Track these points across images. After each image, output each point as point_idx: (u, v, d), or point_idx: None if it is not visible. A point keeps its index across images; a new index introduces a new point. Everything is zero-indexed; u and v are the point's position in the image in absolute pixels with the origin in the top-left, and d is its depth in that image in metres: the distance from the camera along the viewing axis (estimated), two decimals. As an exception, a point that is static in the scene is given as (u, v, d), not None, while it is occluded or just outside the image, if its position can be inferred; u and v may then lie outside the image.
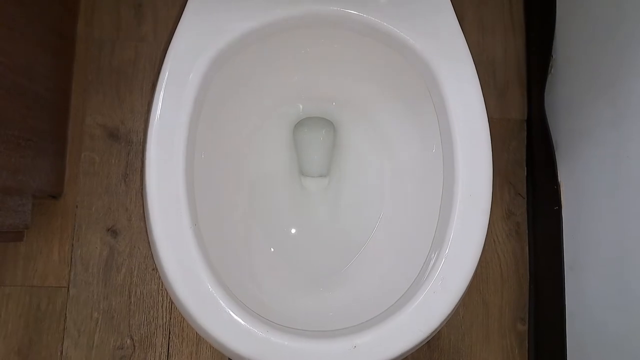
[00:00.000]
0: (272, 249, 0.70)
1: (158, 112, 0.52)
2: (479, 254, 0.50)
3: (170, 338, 0.85)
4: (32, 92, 0.77)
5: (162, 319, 0.85)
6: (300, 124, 0.75)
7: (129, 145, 0.89)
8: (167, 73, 0.53)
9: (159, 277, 0.86)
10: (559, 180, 0.82)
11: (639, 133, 0.63)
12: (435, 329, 0.48)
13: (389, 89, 0.68)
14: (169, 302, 0.86)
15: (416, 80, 0.57)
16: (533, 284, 0.88)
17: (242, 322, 0.48)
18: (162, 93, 0.53)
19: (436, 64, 0.53)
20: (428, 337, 0.48)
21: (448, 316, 0.49)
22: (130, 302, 0.86)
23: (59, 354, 0.84)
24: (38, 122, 0.79)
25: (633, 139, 0.64)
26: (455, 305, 0.49)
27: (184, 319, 0.85)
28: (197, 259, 0.49)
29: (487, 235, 0.89)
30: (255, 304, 0.52)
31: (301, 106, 0.74)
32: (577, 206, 0.77)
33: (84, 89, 0.90)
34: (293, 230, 0.73)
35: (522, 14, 0.95)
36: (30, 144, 0.76)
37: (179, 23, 0.55)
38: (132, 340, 0.85)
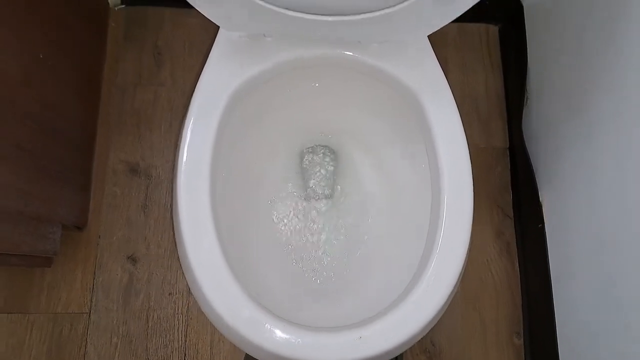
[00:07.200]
0: (281, 262, 0.77)
1: (186, 142, 0.61)
2: (465, 254, 0.57)
3: (186, 360, 0.89)
4: (62, 130, 0.84)
5: (178, 341, 0.90)
6: (307, 151, 0.84)
7: (148, 179, 0.97)
8: (194, 108, 0.62)
9: (175, 302, 0.91)
10: (540, 199, 0.89)
11: (605, 151, 0.70)
12: (431, 320, 0.55)
13: (382, 119, 0.77)
14: (185, 325, 0.90)
15: (406, 110, 0.67)
16: (525, 299, 0.93)
17: (260, 319, 0.54)
18: (189, 126, 0.61)
19: (422, 94, 0.63)
20: (425, 327, 0.55)
21: (442, 309, 0.55)
22: (148, 327, 0.90)
23: (79, 378, 0.87)
24: (66, 157, 0.86)
25: (601, 157, 0.71)
26: (447, 299, 0.56)
27: (198, 341, 0.90)
28: (222, 267, 0.56)
29: (480, 255, 0.96)
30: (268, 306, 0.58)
31: (308, 134, 0.84)
32: (558, 221, 0.84)
33: (108, 128, 0.99)
34: (300, 246, 0.80)
35: (499, 55, 1.06)
36: (60, 175, 0.83)
37: (204, 68, 0.65)
38: (149, 363, 0.88)
